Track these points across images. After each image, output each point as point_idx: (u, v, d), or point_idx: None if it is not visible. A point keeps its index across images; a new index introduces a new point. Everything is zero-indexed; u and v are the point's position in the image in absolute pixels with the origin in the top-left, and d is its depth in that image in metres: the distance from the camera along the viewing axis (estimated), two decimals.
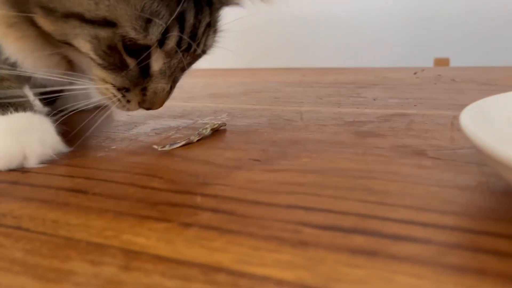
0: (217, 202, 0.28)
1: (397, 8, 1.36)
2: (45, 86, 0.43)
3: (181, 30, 0.36)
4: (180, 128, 0.47)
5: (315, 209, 0.26)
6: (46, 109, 0.54)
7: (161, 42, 0.35)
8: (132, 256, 0.22)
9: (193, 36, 0.37)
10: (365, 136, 0.40)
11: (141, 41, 0.35)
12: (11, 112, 0.38)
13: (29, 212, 0.28)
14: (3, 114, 0.38)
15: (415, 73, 0.80)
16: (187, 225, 0.25)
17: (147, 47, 0.36)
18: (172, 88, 0.40)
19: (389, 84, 0.69)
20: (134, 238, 0.24)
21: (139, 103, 0.39)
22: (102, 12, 0.33)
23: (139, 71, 0.37)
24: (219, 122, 0.46)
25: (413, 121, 0.44)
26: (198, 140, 0.41)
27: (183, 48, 0.37)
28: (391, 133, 0.40)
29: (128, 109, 0.40)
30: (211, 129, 0.44)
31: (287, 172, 0.32)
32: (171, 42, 0.36)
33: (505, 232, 0.22)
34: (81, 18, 0.34)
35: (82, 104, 0.43)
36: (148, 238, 0.24)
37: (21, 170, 0.36)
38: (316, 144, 0.39)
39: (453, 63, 1.24)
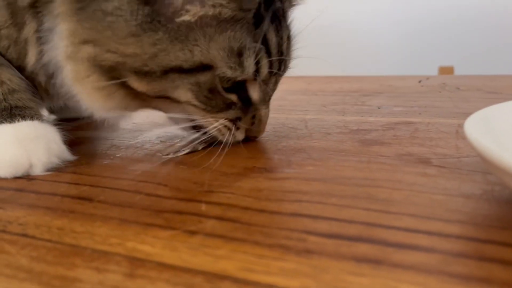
0: (222, 210, 0.28)
1: (401, 17, 1.37)
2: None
3: (268, 53, 0.37)
4: (185, 135, 0.48)
5: (320, 217, 0.26)
6: (52, 117, 0.54)
7: (256, 73, 0.36)
8: (136, 263, 0.22)
9: (280, 54, 0.38)
10: (370, 144, 0.40)
11: (240, 77, 0.36)
12: (18, 121, 0.39)
13: (34, 219, 0.29)
14: (11, 122, 0.38)
15: (419, 81, 0.80)
16: (192, 233, 0.25)
17: (243, 81, 0.37)
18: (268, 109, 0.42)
19: (393, 93, 0.69)
20: (139, 246, 0.24)
21: (246, 130, 0.41)
22: (198, 58, 0.35)
23: (242, 103, 0.39)
24: None
25: (417, 129, 0.44)
26: (203, 148, 0.41)
27: (275, 70, 0.38)
28: (396, 141, 0.40)
29: (236, 137, 0.40)
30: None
31: (292, 180, 0.32)
32: (264, 70, 0.37)
33: (511, 240, 0.22)
34: (180, 70, 0.35)
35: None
36: (153, 245, 0.24)
37: (27, 177, 0.37)
38: (321, 152, 0.39)
39: (457, 72, 1.24)
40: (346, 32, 1.42)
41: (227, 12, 0.34)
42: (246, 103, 0.39)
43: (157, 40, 0.34)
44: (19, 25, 0.40)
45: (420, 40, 1.36)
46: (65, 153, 0.40)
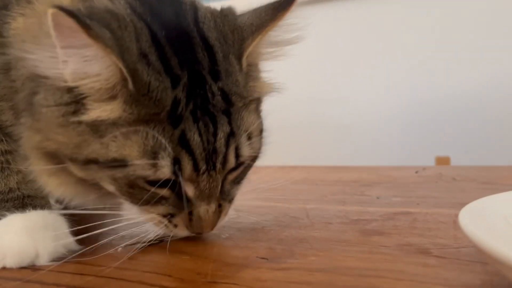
0: None
1: (398, 109, 1.43)
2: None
3: (191, 152, 0.35)
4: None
5: None
6: (61, 206, 0.55)
7: (177, 173, 0.35)
8: None
9: (211, 151, 0.36)
10: (370, 234, 0.41)
11: (153, 177, 0.35)
12: (29, 210, 0.40)
13: None
14: (22, 211, 0.40)
15: (416, 172, 0.82)
16: None
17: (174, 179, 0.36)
18: (221, 206, 0.39)
19: (392, 183, 0.71)
20: None
21: (187, 227, 0.39)
22: (112, 154, 0.35)
23: (178, 198, 0.37)
24: None
25: (416, 220, 0.45)
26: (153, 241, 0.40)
27: (202, 169, 0.36)
28: (396, 231, 0.41)
29: (176, 234, 0.39)
30: None
31: (295, 271, 0.33)
32: (187, 169, 0.35)
33: None
34: (96, 162, 0.35)
35: None
36: None
37: (32, 267, 0.37)
38: (323, 242, 0.39)
39: (454, 161, 1.27)
40: (344, 123, 1.48)
41: (131, 116, 0.34)
42: (182, 199, 0.37)
43: (80, 131, 0.35)
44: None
45: (416, 131, 1.41)
46: (71, 244, 0.40)
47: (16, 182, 0.42)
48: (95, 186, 0.38)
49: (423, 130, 1.40)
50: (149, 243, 0.40)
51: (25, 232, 0.38)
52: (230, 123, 0.37)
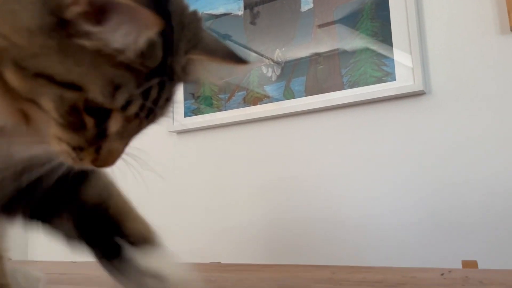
0: None
1: (424, 210, 1.43)
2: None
3: (145, 99, 0.39)
4: None
5: None
6: None
7: (124, 107, 0.38)
8: None
9: (154, 105, 0.41)
10: None
11: (107, 106, 0.38)
12: None
13: None
14: None
15: (442, 274, 0.82)
16: None
17: (108, 110, 0.39)
18: (125, 147, 0.43)
19: (417, 284, 0.71)
20: None
21: (92, 161, 0.41)
22: (72, 77, 0.36)
23: (96, 131, 0.40)
24: None
25: None
26: None
27: (142, 115, 0.40)
28: None
29: (80, 167, 0.42)
30: None
31: None
32: (133, 108, 0.39)
33: None
34: (50, 79, 0.36)
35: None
36: None
37: None
38: None
39: (481, 266, 1.24)
40: (369, 223, 1.48)
41: (127, 60, 0.37)
42: (101, 134, 0.40)
43: (47, 45, 0.35)
44: None
45: (443, 234, 1.40)
46: None
47: None
48: (22, 101, 0.37)
49: (450, 233, 1.39)
50: None
51: None
52: (170, 90, 0.42)
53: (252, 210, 1.63)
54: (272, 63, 1.68)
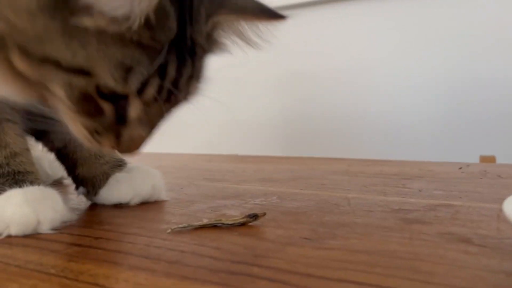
0: (272, 273, 0.30)
1: (442, 105, 1.41)
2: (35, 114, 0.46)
3: (162, 80, 0.36)
4: (234, 206, 0.51)
5: (365, 284, 0.28)
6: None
7: (140, 90, 0.36)
8: None
9: (175, 86, 0.37)
10: (411, 222, 0.42)
11: (120, 90, 0.35)
12: (26, 185, 0.44)
13: (103, 271, 0.32)
14: (20, 187, 0.43)
15: (460, 168, 0.81)
16: None
17: (125, 95, 0.36)
18: (151, 133, 0.40)
19: (434, 177, 0.71)
20: None
21: (112, 146, 0.40)
22: (78, 61, 0.33)
23: (115, 117, 0.38)
24: (246, 218, 0.43)
25: (458, 212, 0.45)
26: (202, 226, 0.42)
27: (163, 97, 0.37)
28: (437, 221, 0.42)
29: (98, 148, 0.42)
30: (239, 222, 0.42)
31: (337, 251, 0.34)
32: (150, 91, 0.36)
33: None
34: (57, 64, 0.34)
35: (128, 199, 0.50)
36: None
37: (93, 236, 0.41)
38: (364, 227, 0.41)
39: (499, 162, 1.23)
40: (386, 117, 1.47)
41: (135, 36, 0.33)
42: (120, 119, 0.38)
43: (50, 26, 0.32)
44: None
45: (461, 129, 1.38)
46: (68, 213, 0.45)
47: (4, 157, 0.45)
48: (36, 85, 0.36)
49: (468, 128, 1.37)
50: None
51: (26, 204, 0.42)
52: (193, 65, 0.38)
53: (268, 103, 1.62)
54: None
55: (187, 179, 0.75)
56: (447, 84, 1.39)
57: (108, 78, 0.34)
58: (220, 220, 0.43)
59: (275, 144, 1.57)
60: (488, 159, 1.20)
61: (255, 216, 0.43)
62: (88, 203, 0.56)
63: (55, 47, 0.33)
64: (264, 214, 0.44)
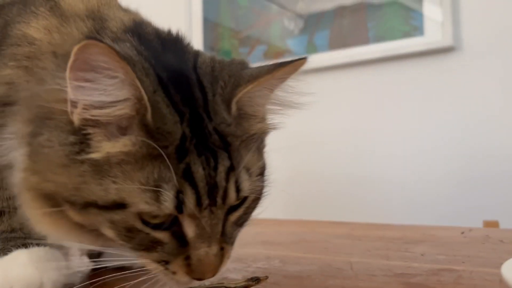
0: None
1: (446, 169, 1.41)
2: None
3: (194, 186, 0.35)
4: (236, 270, 0.51)
5: None
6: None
7: (179, 207, 0.34)
8: None
9: (213, 185, 0.35)
10: (415, 287, 0.42)
11: (157, 213, 0.34)
12: (31, 244, 0.45)
13: None
14: (24, 245, 0.44)
15: (462, 233, 0.81)
16: None
17: (174, 217, 0.35)
18: (224, 249, 0.37)
19: (436, 242, 0.71)
20: None
21: (187, 273, 0.37)
22: (111, 196, 0.34)
23: (176, 241, 0.36)
24: (249, 282, 0.43)
25: (461, 276, 0.45)
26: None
27: (205, 203, 0.35)
28: (440, 285, 0.42)
29: (178, 282, 0.37)
30: (242, 285, 0.42)
31: None
32: (189, 203, 0.34)
33: None
34: (96, 206, 0.35)
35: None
36: None
37: None
38: None
39: (502, 227, 1.23)
40: (388, 180, 1.48)
41: (141, 150, 0.34)
42: (182, 242, 0.36)
43: (82, 171, 0.35)
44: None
45: (464, 193, 1.38)
46: (71, 275, 0.46)
47: (19, 223, 0.46)
48: (92, 232, 0.37)
49: (472, 193, 1.38)
50: None
51: (30, 265, 0.42)
52: (229, 158, 0.37)
53: (270, 165, 1.64)
54: (294, 15, 1.62)
55: None
56: (450, 150, 1.41)
57: (141, 203, 0.34)
58: (222, 283, 0.43)
59: (277, 206, 1.56)
60: (491, 224, 1.19)
61: (257, 280, 0.43)
62: (91, 265, 0.56)
63: (90, 189, 0.35)
64: (267, 277, 0.44)
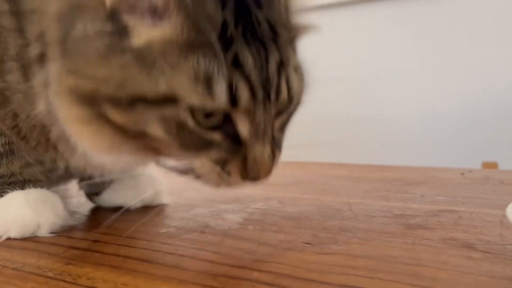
0: (272, 278, 0.30)
1: (445, 111, 1.40)
2: (92, 178, 0.45)
3: (247, 77, 0.32)
4: (234, 210, 0.50)
5: None
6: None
7: (234, 101, 0.32)
8: None
9: (265, 77, 0.33)
10: (414, 228, 0.41)
11: (211, 106, 0.32)
12: (29, 188, 0.44)
13: (101, 275, 0.31)
14: (22, 189, 0.44)
15: (462, 174, 0.81)
16: None
17: (226, 114, 0.33)
18: (274, 151, 0.36)
19: (436, 183, 0.70)
20: None
21: (241, 174, 0.35)
22: (161, 88, 0.31)
23: (230, 142, 0.34)
24: None
25: (461, 217, 0.45)
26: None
27: (259, 97, 0.33)
28: (440, 226, 0.41)
29: (229, 184, 0.36)
30: None
31: (338, 256, 0.34)
32: (244, 96, 0.32)
33: None
34: (145, 100, 0.32)
35: (131, 202, 0.49)
36: None
37: (92, 239, 0.40)
38: (366, 232, 0.40)
39: (501, 168, 1.23)
40: (388, 122, 1.47)
41: (182, 37, 0.31)
42: (236, 141, 0.34)
43: (124, 63, 0.32)
44: (28, 77, 0.39)
45: (463, 134, 1.38)
46: (68, 217, 0.45)
47: (19, 167, 0.45)
48: (136, 139, 0.34)
49: (471, 134, 1.37)
50: None
51: (27, 206, 0.42)
52: (279, 51, 0.34)
53: None
54: None
55: (187, 182, 0.74)
56: (450, 91, 1.39)
57: (193, 96, 0.31)
58: None
59: None
60: (490, 165, 1.20)
61: None
62: (88, 205, 0.56)
63: (137, 82, 0.32)
64: None
